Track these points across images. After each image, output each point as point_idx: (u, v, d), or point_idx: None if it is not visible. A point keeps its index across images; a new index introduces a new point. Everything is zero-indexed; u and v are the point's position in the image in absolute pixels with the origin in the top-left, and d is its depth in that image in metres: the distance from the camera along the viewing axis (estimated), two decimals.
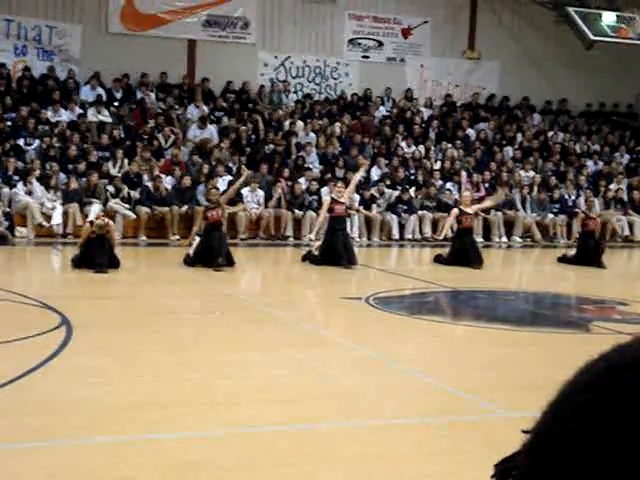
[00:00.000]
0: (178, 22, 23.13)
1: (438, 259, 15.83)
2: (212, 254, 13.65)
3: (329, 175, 20.72)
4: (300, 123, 22.59)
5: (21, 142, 19.45)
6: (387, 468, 5.00)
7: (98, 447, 5.19)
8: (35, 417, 5.68)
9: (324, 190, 19.60)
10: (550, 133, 25.46)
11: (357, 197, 20.06)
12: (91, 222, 13.35)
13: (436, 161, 22.78)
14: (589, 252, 16.54)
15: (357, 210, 19.83)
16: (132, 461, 4.94)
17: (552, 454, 0.70)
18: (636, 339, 0.74)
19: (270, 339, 8.56)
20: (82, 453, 5.09)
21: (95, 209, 15.68)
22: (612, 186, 23.19)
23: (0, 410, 5.82)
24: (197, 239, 14.39)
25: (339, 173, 20.76)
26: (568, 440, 0.69)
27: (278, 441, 5.41)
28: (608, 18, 24.91)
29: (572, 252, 17.18)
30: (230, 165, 20.45)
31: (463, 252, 15.60)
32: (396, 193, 20.73)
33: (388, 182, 21.12)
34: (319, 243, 15.28)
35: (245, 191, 19.42)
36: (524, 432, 0.77)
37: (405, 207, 20.35)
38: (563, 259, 17.01)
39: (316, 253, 15.01)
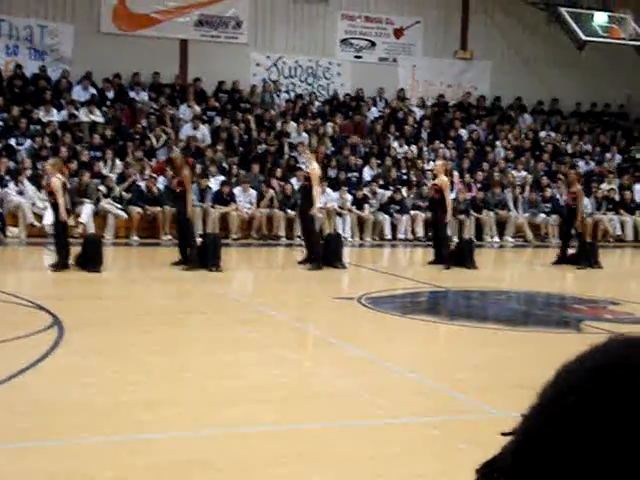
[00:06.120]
0: (170, 22, 23.09)
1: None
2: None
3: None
4: (292, 123, 22.59)
5: (12, 142, 19.40)
6: (379, 468, 5.00)
7: (90, 447, 5.18)
8: (27, 417, 5.66)
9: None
10: (542, 133, 25.52)
11: (349, 197, 20.08)
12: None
13: (428, 161, 22.79)
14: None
15: (349, 210, 19.85)
16: (124, 461, 4.93)
17: (544, 456, 0.70)
18: (612, 339, 0.75)
19: (262, 339, 8.55)
20: (74, 453, 5.07)
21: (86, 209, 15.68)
22: (603, 186, 23.25)
23: None
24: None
25: (331, 173, 20.76)
26: (561, 442, 0.69)
27: (270, 441, 5.41)
28: (600, 18, 24.97)
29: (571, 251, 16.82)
30: (224, 165, 20.45)
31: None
32: (388, 193, 20.75)
33: (381, 182, 21.14)
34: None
35: (237, 191, 19.42)
36: (504, 434, 0.77)
37: (397, 207, 20.37)
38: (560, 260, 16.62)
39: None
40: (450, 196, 16.08)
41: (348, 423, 5.90)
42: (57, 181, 13.13)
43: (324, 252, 14.61)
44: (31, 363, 7.02)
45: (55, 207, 13.16)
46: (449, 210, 15.42)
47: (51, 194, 13.20)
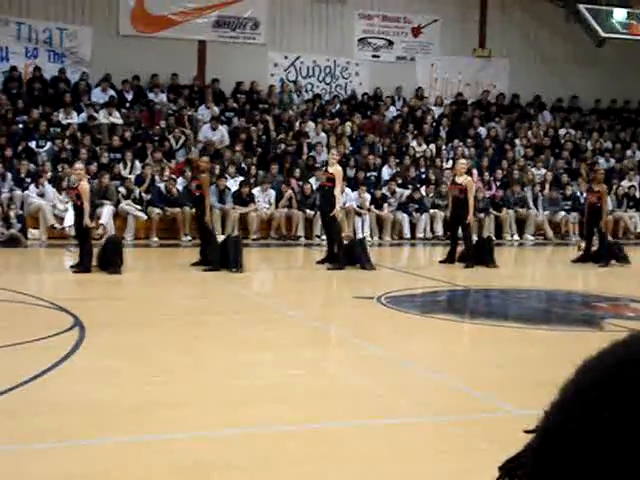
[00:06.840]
0: (188, 23, 23.15)
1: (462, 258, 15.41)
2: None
3: None
4: (311, 123, 22.59)
5: (33, 144, 19.52)
6: (400, 468, 4.99)
7: (111, 448, 5.20)
8: (49, 418, 5.70)
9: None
10: (561, 130, 25.39)
11: (368, 196, 20.06)
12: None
13: (447, 160, 22.74)
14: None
15: (368, 209, 19.83)
16: (145, 462, 4.95)
17: (565, 452, 0.70)
18: (633, 335, 0.75)
19: (282, 339, 8.56)
20: (95, 454, 5.10)
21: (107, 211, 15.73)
22: (624, 183, 23.12)
23: (14, 411, 5.84)
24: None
25: (350, 173, 20.74)
26: (582, 437, 0.69)
27: (290, 441, 5.41)
28: (619, 15, 24.81)
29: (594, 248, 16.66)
30: (243, 166, 20.48)
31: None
32: (407, 192, 20.72)
33: (399, 181, 21.11)
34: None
35: (256, 191, 19.45)
36: (527, 432, 0.77)
37: (416, 206, 20.33)
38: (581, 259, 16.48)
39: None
40: (473, 196, 15.95)
41: (368, 422, 5.89)
42: (87, 185, 13.22)
43: (351, 254, 14.57)
44: (53, 364, 7.06)
45: (79, 210, 13.20)
46: (471, 210, 15.38)
47: (78, 197, 13.22)
